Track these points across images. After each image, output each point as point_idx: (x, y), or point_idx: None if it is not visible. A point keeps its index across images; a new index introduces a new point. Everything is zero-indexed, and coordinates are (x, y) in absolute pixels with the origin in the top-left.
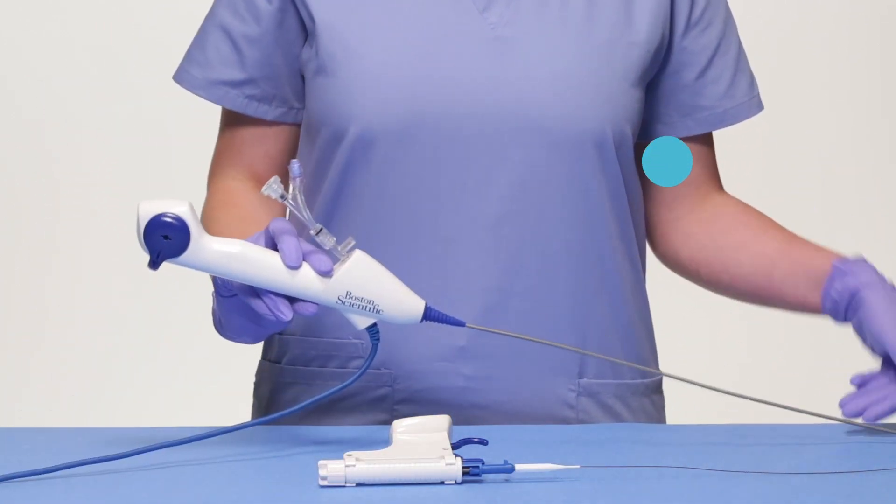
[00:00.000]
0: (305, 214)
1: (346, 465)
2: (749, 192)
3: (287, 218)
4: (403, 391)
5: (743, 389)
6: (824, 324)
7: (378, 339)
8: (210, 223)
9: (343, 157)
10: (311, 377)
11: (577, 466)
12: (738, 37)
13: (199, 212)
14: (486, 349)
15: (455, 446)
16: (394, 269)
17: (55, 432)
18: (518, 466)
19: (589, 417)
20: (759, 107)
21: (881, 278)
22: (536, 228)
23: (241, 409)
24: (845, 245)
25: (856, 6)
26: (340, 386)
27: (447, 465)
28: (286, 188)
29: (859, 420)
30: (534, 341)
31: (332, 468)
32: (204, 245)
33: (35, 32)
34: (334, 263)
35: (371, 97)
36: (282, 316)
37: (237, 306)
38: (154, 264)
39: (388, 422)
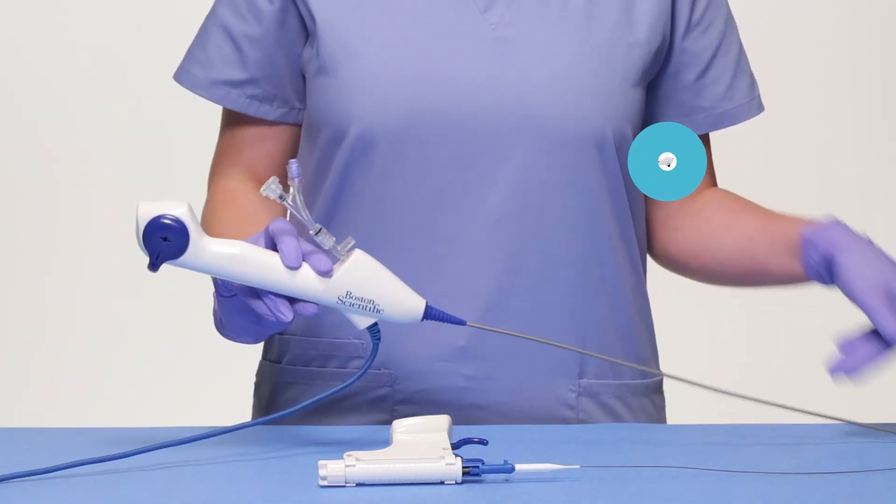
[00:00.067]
0: (304, 214)
1: (346, 465)
2: (749, 192)
3: (287, 218)
4: (403, 391)
5: (743, 389)
6: (824, 324)
7: (379, 339)
8: (210, 223)
9: (343, 157)
10: (312, 377)
11: (577, 466)
12: (738, 38)
13: (199, 212)
14: (485, 349)
15: (455, 446)
16: (394, 269)
17: (55, 432)
18: (518, 466)
19: (589, 418)
20: (759, 108)
21: (853, 237)
22: (536, 228)
23: (241, 409)
24: None
25: (856, 6)
26: (341, 386)
27: (447, 465)
28: (285, 188)
29: (859, 420)
30: (534, 341)
31: (332, 468)
32: (203, 247)
33: (35, 32)
34: (334, 263)
35: (371, 97)
36: (282, 317)
37: (238, 307)
38: (153, 266)
39: (388, 422)
